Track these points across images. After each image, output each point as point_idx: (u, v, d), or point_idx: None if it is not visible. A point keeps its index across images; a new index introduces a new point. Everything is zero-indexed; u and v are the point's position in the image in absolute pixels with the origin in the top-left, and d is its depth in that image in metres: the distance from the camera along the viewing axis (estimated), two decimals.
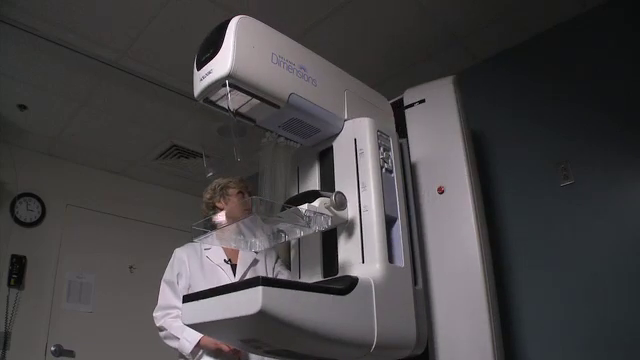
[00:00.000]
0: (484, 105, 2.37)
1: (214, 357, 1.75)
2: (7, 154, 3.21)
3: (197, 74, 1.27)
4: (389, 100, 2.15)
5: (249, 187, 2.10)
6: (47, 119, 3.04)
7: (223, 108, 1.30)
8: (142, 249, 3.68)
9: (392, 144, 1.50)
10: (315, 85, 1.36)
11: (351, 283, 1.21)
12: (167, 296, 1.86)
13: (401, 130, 1.99)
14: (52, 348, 3.10)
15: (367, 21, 2.28)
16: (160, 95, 2.80)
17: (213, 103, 1.31)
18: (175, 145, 3.39)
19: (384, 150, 1.45)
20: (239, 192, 2.04)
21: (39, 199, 3.34)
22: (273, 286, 1.03)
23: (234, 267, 1.93)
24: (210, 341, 1.72)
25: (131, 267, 3.65)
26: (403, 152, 1.63)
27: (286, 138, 1.65)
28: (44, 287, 3.20)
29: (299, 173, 1.63)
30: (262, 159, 3.18)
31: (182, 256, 1.93)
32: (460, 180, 1.75)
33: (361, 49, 2.47)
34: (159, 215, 3.86)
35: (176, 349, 1.81)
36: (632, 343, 1.78)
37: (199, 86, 1.26)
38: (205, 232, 1.32)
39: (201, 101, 1.29)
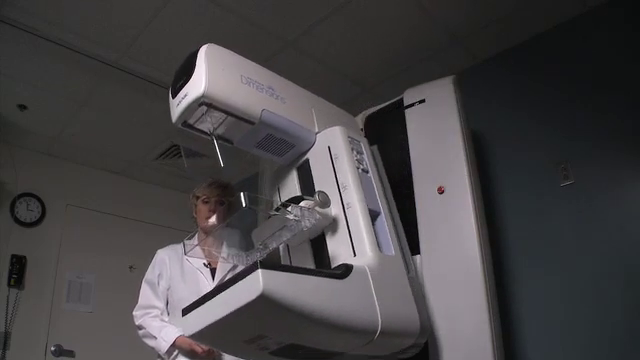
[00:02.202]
0: (484, 105, 2.37)
1: (189, 358, 1.76)
2: (7, 154, 3.20)
3: (173, 102, 1.34)
4: (389, 100, 2.16)
5: (216, 191, 1.98)
6: (47, 119, 3.03)
7: (202, 131, 1.37)
8: (142, 249, 3.63)
9: (364, 148, 1.58)
10: (284, 103, 1.45)
11: (347, 269, 1.26)
12: (147, 296, 1.88)
13: (401, 130, 2.00)
14: (52, 348, 3.10)
15: (367, 21, 2.28)
16: (160, 95, 2.80)
17: (191, 127, 1.37)
18: (175, 145, 3.39)
19: (357, 153, 1.52)
20: (204, 200, 1.97)
21: (39, 199, 3.33)
22: (272, 269, 1.06)
23: (213, 271, 1.93)
24: (185, 341, 1.72)
25: (131, 267, 3.65)
26: (376, 157, 1.69)
27: None
28: (44, 287, 3.19)
29: (280, 192, 1.67)
30: (262, 159, 3.18)
31: (164, 257, 1.95)
32: (460, 180, 1.75)
33: (361, 49, 2.46)
34: (159, 215, 3.86)
35: (153, 348, 1.82)
36: (632, 343, 1.78)
37: (177, 111, 1.33)
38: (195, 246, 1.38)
39: (180, 125, 1.36)
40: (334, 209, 1.41)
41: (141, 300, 1.89)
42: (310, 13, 2.22)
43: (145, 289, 1.90)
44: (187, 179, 3.87)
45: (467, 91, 1.97)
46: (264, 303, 1.02)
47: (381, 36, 2.38)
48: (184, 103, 1.29)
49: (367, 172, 1.52)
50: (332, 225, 1.41)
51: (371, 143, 2.16)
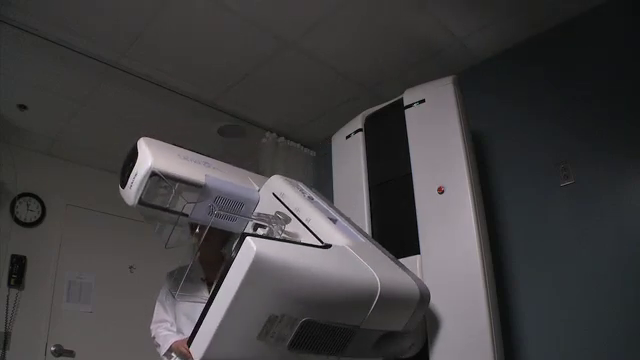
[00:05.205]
0: (484, 105, 2.37)
1: None
2: (7, 154, 3.20)
3: (125, 190, 1.49)
4: (389, 100, 2.17)
5: None
6: (47, 119, 3.04)
7: (158, 207, 1.49)
8: (142, 249, 3.66)
9: (302, 186, 1.74)
10: (222, 172, 1.64)
11: (325, 245, 1.34)
12: (159, 312, 2.07)
13: (401, 130, 2.00)
14: (52, 348, 3.10)
15: (367, 21, 2.28)
16: (160, 95, 2.80)
17: (147, 204, 1.47)
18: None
19: (299, 189, 1.67)
20: (192, 226, 1.92)
21: (39, 199, 3.33)
22: (259, 238, 1.14)
23: (210, 285, 2.02)
24: (178, 346, 1.85)
25: (131, 267, 3.65)
26: (315, 192, 1.78)
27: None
28: (44, 287, 3.19)
29: None
30: (262, 159, 3.18)
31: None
32: (460, 180, 1.76)
33: (361, 49, 2.46)
34: None
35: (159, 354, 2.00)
36: (632, 343, 1.78)
37: (131, 192, 1.45)
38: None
39: (137, 205, 1.46)
40: (296, 230, 1.51)
41: (155, 316, 2.08)
42: (310, 13, 2.22)
43: (157, 306, 2.09)
44: None
45: (467, 91, 1.97)
46: (262, 266, 1.06)
47: (381, 36, 2.38)
48: (137, 180, 1.44)
49: (312, 199, 1.65)
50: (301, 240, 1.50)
51: (371, 143, 2.18)
